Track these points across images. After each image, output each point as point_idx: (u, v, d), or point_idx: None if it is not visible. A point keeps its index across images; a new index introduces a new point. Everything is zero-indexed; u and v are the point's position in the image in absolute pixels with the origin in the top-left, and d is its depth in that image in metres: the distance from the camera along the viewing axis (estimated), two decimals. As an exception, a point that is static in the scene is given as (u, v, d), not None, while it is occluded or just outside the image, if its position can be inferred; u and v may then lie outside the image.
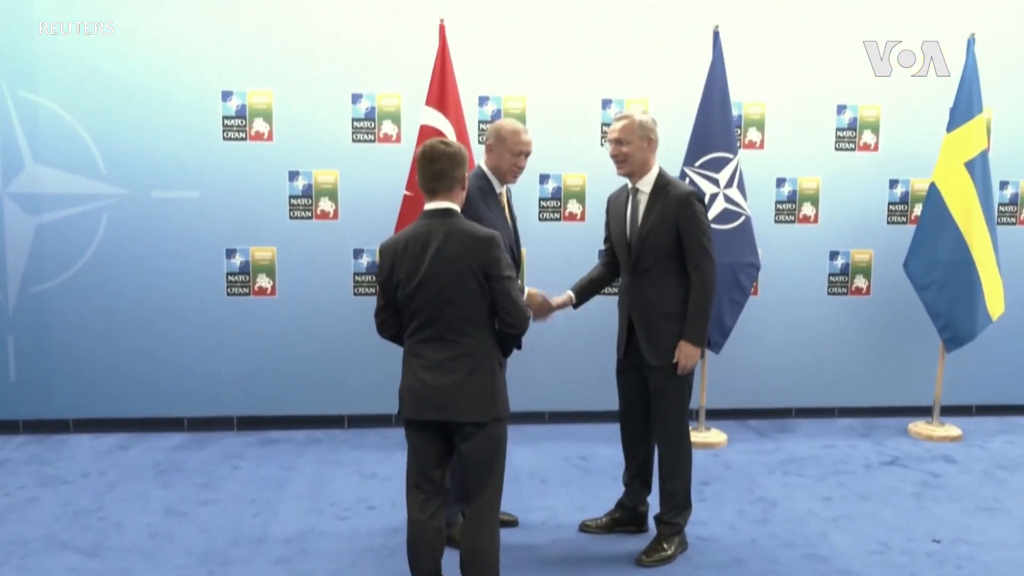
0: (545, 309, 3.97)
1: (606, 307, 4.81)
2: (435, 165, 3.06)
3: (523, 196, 5.37)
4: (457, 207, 3.11)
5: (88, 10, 5.39)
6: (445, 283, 3.00)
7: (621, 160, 3.82)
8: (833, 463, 5.22)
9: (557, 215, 5.75)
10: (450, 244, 3.01)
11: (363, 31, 5.51)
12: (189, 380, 5.65)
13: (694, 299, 3.70)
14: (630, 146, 3.79)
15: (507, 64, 5.62)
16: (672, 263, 3.76)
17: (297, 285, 5.64)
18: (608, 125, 5.54)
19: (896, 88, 5.89)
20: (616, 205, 3.99)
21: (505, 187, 3.97)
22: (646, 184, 3.84)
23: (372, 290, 5.62)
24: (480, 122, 5.62)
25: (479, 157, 4.03)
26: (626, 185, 3.93)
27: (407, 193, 5.09)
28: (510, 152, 3.84)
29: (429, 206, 3.11)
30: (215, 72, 5.43)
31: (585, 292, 4.12)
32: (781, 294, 5.99)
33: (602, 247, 4.22)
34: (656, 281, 3.78)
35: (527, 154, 3.90)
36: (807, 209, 5.94)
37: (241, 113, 5.47)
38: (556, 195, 5.74)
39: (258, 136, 5.50)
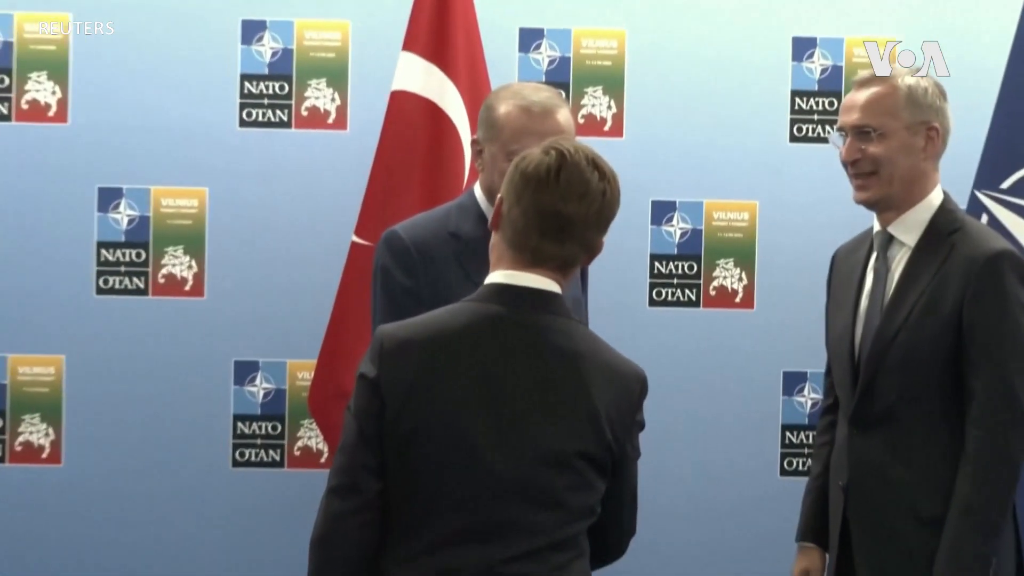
0: None
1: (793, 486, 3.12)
2: (570, 205, 1.68)
3: (616, 250, 3.69)
4: (561, 291, 1.80)
5: None
6: (534, 451, 1.70)
7: (866, 172, 2.28)
8: None
9: (692, 294, 3.46)
10: (555, 372, 1.71)
11: None
12: None
13: (965, 486, 2.15)
14: (886, 143, 2.23)
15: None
16: (945, 403, 2.16)
17: (106, 442, 3.37)
18: (819, 95, 3.61)
19: None
20: (844, 271, 2.47)
21: None
22: (910, 227, 2.28)
23: (273, 455, 3.45)
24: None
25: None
26: (870, 229, 2.43)
27: (358, 241, 3.20)
28: (506, 155, 2.38)
29: (509, 279, 1.72)
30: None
31: (823, 519, 2.51)
32: None
33: (822, 374, 2.69)
34: (907, 443, 2.22)
35: None
36: None
37: (2, 60, 3.24)
38: (689, 250, 3.47)
39: (35, 111, 3.30)
